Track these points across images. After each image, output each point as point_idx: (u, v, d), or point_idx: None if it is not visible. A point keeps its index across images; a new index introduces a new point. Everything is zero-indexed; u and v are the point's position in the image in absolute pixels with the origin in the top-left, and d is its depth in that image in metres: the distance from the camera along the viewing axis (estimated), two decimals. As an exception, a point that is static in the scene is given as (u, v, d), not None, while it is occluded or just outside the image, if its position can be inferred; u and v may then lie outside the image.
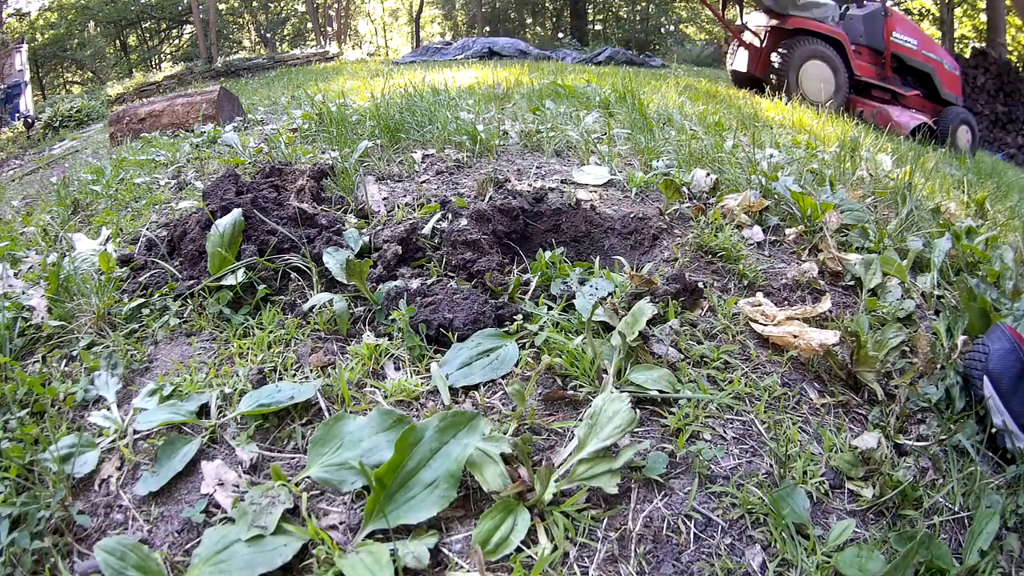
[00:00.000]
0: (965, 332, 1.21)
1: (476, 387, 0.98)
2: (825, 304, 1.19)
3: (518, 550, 0.72)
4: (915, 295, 1.36)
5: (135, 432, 0.92)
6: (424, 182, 1.86)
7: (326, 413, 0.93)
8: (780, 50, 5.77)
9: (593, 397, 0.93)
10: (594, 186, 1.80)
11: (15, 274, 1.43)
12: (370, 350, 1.04)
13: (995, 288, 1.43)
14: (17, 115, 8.72)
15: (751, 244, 1.50)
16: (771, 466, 0.88)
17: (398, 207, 1.63)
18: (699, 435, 0.91)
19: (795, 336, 1.07)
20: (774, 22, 5.91)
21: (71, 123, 7.86)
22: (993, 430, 0.99)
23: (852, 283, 1.38)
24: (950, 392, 1.06)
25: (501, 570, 0.71)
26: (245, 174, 1.88)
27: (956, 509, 0.88)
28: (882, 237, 1.55)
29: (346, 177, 1.78)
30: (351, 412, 0.92)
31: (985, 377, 1.01)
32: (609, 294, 1.17)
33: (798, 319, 1.16)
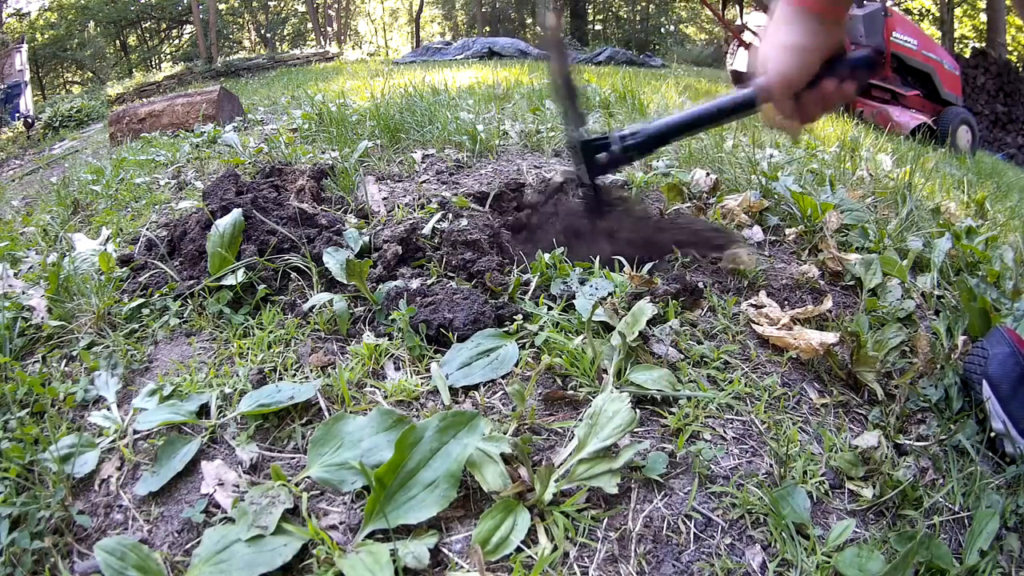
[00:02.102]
0: (965, 332, 1.21)
1: (476, 387, 0.98)
2: (827, 304, 1.19)
3: (518, 550, 0.72)
4: (915, 295, 1.36)
5: (135, 432, 0.92)
6: (424, 182, 1.86)
7: (326, 413, 0.93)
8: (780, 50, 5.75)
9: (593, 397, 0.93)
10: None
11: (15, 274, 1.43)
12: (370, 350, 1.04)
13: (995, 288, 1.43)
14: (17, 115, 8.72)
15: (751, 244, 1.50)
16: (771, 466, 0.88)
17: (398, 207, 1.63)
18: (699, 435, 0.91)
19: (795, 337, 1.07)
20: (774, 22, 5.90)
21: (71, 123, 7.86)
22: (992, 434, 0.99)
23: (852, 283, 1.38)
24: (949, 392, 1.06)
25: (501, 570, 0.71)
26: (245, 174, 1.88)
27: (956, 509, 0.88)
28: (882, 237, 1.55)
29: (346, 177, 1.78)
30: (351, 412, 0.92)
31: (984, 381, 1.01)
32: (609, 294, 1.17)
33: (799, 320, 1.16)
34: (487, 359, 1.02)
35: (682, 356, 1.05)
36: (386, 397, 0.97)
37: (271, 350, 1.09)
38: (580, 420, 0.90)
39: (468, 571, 0.71)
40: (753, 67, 1.06)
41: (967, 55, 10.49)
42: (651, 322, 1.09)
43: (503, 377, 1.00)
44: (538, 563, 0.68)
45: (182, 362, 1.08)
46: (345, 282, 1.19)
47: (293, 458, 0.87)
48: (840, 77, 1.02)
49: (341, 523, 0.77)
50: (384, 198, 1.71)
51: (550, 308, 1.14)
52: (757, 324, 1.15)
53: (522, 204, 1.62)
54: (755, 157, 2.04)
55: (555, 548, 0.73)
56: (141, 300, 1.23)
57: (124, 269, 1.36)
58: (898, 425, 1.00)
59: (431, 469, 0.77)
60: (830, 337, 1.04)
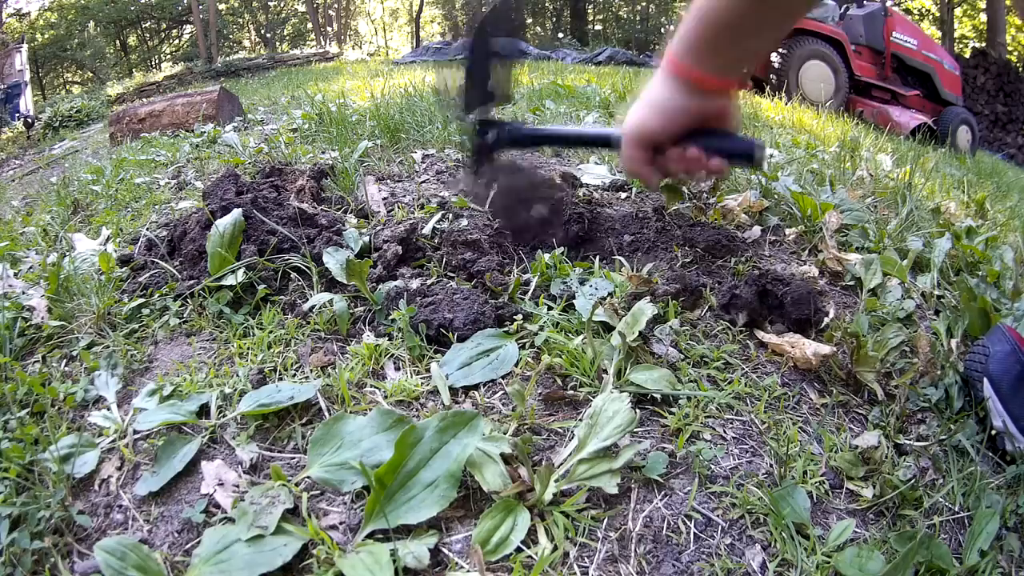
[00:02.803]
0: (965, 332, 1.21)
1: (476, 387, 0.98)
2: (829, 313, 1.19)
3: (518, 550, 0.72)
4: (915, 295, 1.36)
5: (135, 432, 0.92)
6: (424, 182, 1.86)
7: (326, 413, 0.93)
8: (780, 50, 5.77)
9: (593, 397, 0.93)
10: (594, 186, 1.80)
11: (15, 274, 1.43)
12: (370, 350, 1.04)
13: (995, 288, 1.43)
14: (17, 115, 8.72)
15: (751, 244, 1.50)
16: (771, 466, 0.88)
17: (398, 207, 1.63)
18: (699, 435, 0.91)
19: (792, 346, 1.07)
20: (774, 22, 5.91)
21: (71, 123, 7.86)
22: (993, 432, 0.99)
23: (852, 283, 1.38)
24: (949, 392, 1.06)
25: (501, 570, 0.71)
26: (245, 174, 1.88)
27: (956, 509, 0.88)
28: (882, 237, 1.55)
29: (346, 177, 1.78)
30: (351, 412, 0.92)
31: (985, 379, 1.01)
32: (609, 294, 1.17)
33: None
34: (487, 359, 1.02)
35: (682, 356, 1.05)
36: (386, 397, 0.97)
37: (271, 350, 1.09)
38: (580, 420, 0.90)
39: (468, 571, 0.71)
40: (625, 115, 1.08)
41: (967, 55, 10.49)
42: (651, 322, 1.09)
43: (503, 377, 1.00)
44: (538, 563, 0.68)
45: (182, 362, 1.08)
46: (345, 282, 1.19)
47: (293, 458, 0.87)
48: (708, 151, 1.04)
49: (341, 523, 0.77)
50: (384, 198, 1.71)
51: (550, 308, 1.14)
52: (759, 330, 1.15)
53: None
54: (755, 157, 2.04)
55: (555, 548, 0.73)
56: (141, 300, 1.23)
57: (124, 269, 1.36)
58: (898, 425, 1.00)
59: (431, 469, 0.77)
60: (824, 348, 1.04)
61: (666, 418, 0.93)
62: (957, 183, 2.81)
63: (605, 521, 0.78)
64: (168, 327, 1.17)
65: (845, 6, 6.24)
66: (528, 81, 4.13)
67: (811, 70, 5.72)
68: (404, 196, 1.73)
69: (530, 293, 1.20)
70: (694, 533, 0.78)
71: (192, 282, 1.24)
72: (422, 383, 0.99)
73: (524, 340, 1.07)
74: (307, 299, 1.20)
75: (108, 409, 0.98)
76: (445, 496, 0.75)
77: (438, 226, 1.45)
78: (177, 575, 0.72)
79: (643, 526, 0.78)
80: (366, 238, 1.37)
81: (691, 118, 1.03)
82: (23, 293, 1.29)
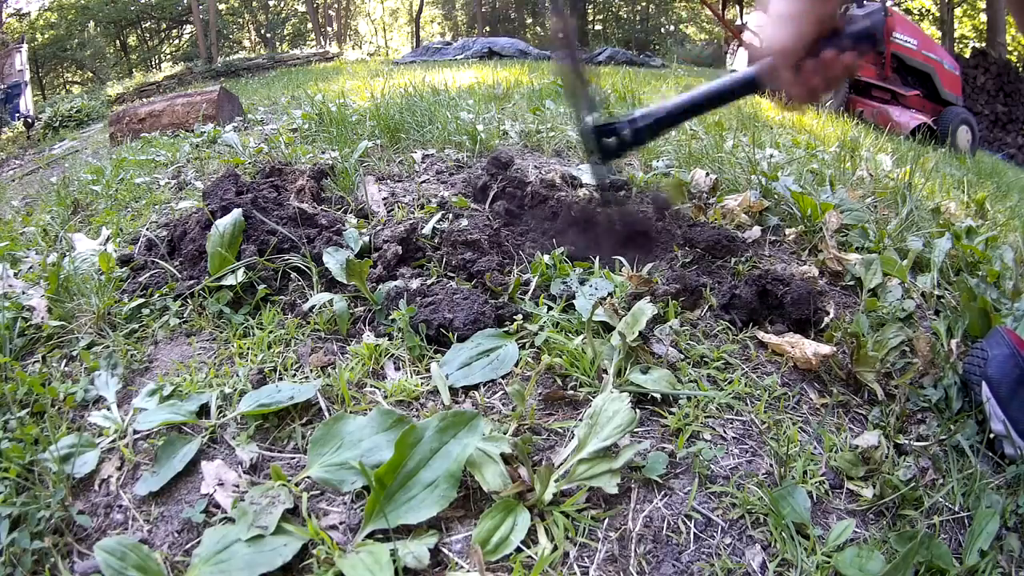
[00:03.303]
0: (965, 332, 1.21)
1: (476, 387, 0.98)
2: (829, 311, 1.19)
3: (518, 550, 0.72)
4: (915, 295, 1.36)
5: (135, 432, 0.92)
6: (424, 182, 1.86)
7: (326, 413, 0.93)
8: (780, 50, 5.74)
9: (593, 397, 0.93)
10: (594, 186, 1.80)
11: (15, 274, 1.43)
12: (370, 350, 1.04)
13: (995, 288, 1.43)
14: (17, 115, 8.72)
15: (751, 244, 1.50)
16: (771, 466, 0.88)
17: (398, 207, 1.63)
18: (699, 435, 0.91)
19: (792, 346, 1.07)
20: (774, 22, 5.91)
21: (71, 123, 7.85)
22: (991, 435, 0.99)
23: (852, 283, 1.38)
24: (949, 393, 1.05)
25: (501, 570, 0.71)
26: (245, 174, 1.88)
27: (956, 509, 0.88)
28: (882, 237, 1.55)
29: (346, 177, 1.78)
30: (351, 412, 0.92)
31: (983, 383, 1.01)
32: (609, 294, 1.17)
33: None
34: (487, 359, 1.02)
35: (682, 356, 1.05)
36: (386, 397, 0.97)
37: (271, 350, 1.09)
38: (580, 420, 0.90)
39: (468, 571, 0.71)
40: (754, 49, 1.07)
41: (967, 55, 10.48)
42: (651, 322, 1.09)
43: (503, 377, 1.00)
44: (538, 563, 0.68)
45: (182, 362, 1.08)
46: (345, 282, 1.19)
47: (293, 458, 0.87)
48: (840, 48, 1.04)
49: (341, 523, 0.77)
50: (384, 198, 1.71)
51: (550, 308, 1.14)
52: (760, 330, 1.15)
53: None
54: (755, 157, 2.04)
55: (555, 548, 0.73)
56: (141, 300, 1.23)
57: (124, 269, 1.36)
58: (898, 425, 1.00)
59: (431, 469, 0.77)
60: (824, 348, 1.04)
61: (666, 418, 0.93)
62: (957, 183, 2.81)
63: (605, 521, 0.78)
64: (168, 327, 1.17)
65: (845, 6, 6.23)
66: (528, 81, 4.13)
67: (811, 70, 5.70)
68: (404, 196, 1.73)
69: (530, 293, 1.20)
70: (694, 533, 0.78)
71: (192, 282, 1.24)
72: (422, 383, 0.99)
73: (524, 340, 1.07)
74: (307, 299, 1.20)
75: (108, 409, 0.98)
76: (445, 496, 0.75)
77: (438, 226, 1.45)
78: (177, 575, 0.72)
79: (643, 526, 0.78)
80: (366, 238, 1.37)
81: (817, 23, 1.04)
82: (23, 293, 1.29)
